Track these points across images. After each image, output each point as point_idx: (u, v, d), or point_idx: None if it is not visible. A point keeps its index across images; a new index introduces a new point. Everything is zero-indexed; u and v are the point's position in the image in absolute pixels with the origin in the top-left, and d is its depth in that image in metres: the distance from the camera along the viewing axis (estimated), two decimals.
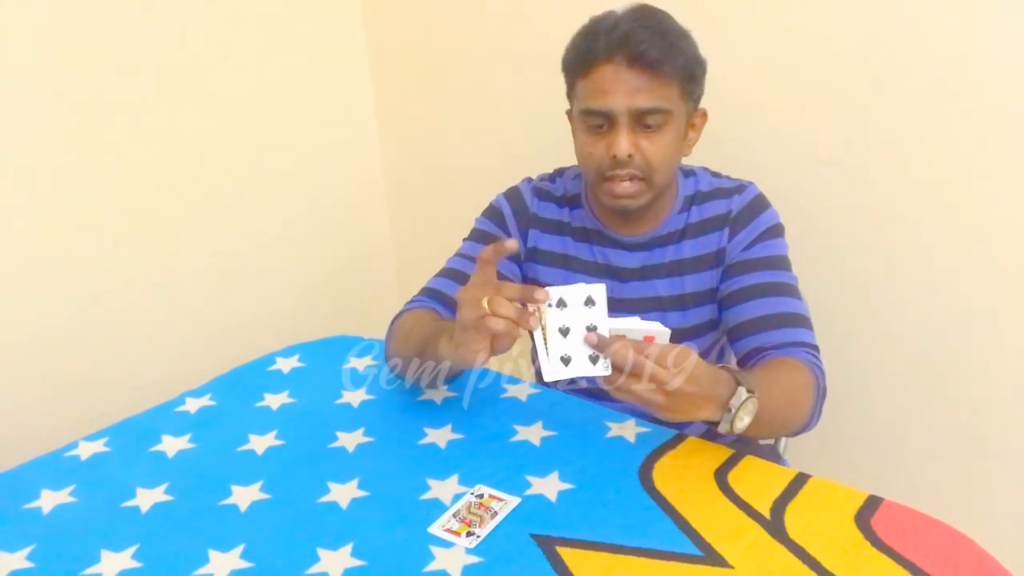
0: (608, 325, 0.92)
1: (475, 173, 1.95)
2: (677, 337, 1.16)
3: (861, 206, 1.42)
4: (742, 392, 0.95)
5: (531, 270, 1.28)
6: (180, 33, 1.65)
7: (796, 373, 1.08)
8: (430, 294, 1.27)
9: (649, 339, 0.92)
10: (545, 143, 1.52)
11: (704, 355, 1.22)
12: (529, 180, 1.32)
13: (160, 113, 1.65)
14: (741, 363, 1.18)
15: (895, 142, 1.36)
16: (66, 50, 1.49)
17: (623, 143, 1.09)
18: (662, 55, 1.07)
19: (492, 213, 1.30)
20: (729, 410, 0.95)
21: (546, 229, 1.28)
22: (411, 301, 1.28)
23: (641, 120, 1.09)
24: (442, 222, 2.04)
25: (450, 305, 1.22)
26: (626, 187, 1.13)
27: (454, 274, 1.27)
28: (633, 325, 0.93)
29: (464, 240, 1.32)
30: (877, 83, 1.34)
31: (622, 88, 1.08)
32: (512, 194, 1.30)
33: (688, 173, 1.25)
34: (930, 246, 1.38)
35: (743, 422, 0.96)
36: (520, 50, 1.76)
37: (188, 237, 1.74)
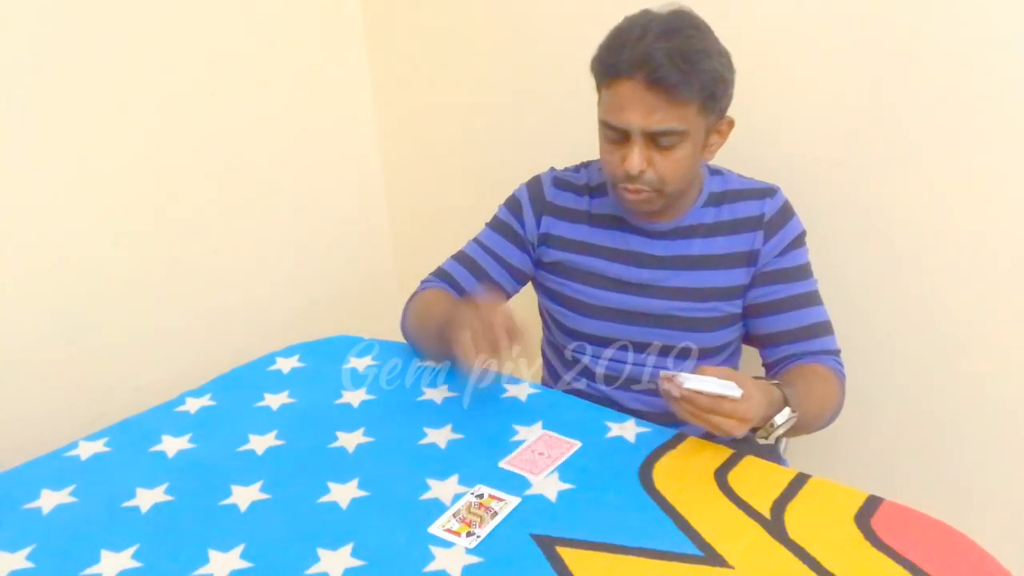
0: (688, 383, 0.98)
1: (475, 173, 1.95)
2: (697, 328, 1.24)
3: (862, 206, 1.42)
4: (787, 411, 1.05)
5: (545, 255, 1.32)
6: (180, 33, 1.65)
7: (828, 384, 1.18)
8: (444, 277, 1.35)
9: (721, 398, 0.98)
10: (546, 142, 1.52)
11: (724, 348, 1.29)
12: (552, 170, 1.36)
13: (160, 113, 1.65)
14: (770, 367, 1.26)
15: (897, 142, 1.36)
16: (65, 50, 1.49)
17: (635, 160, 1.12)
18: (679, 79, 1.07)
19: (512, 203, 1.35)
20: (771, 425, 1.05)
21: (560, 216, 1.31)
22: (426, 281, 1.36)
23: (655, 139, 1.12)
24: (442, 222, 2.04)
25: (461, 293, 1.32)
26: (639, 196, 1.17)
27: (469, 262, 1.34)
28: (709, 387, 0.98)
29: (486, 225, 1.37)
30: (879, 83, 1.34)
31: (638, 108, 1.10)
32: (532, 183, 1.35)
33: (715, 171, 1.28)
34: (931, 246, 1.38)
35: (779, 432, 1.06)
36: (521, 50, 1.76)
37: (188, 237, 1.74)
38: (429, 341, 1.25)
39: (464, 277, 1.33)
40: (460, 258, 1.35)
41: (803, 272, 1.24)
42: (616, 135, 1.14)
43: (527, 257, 1.33)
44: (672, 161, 1.13)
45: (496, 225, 1.35)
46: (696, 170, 1.21)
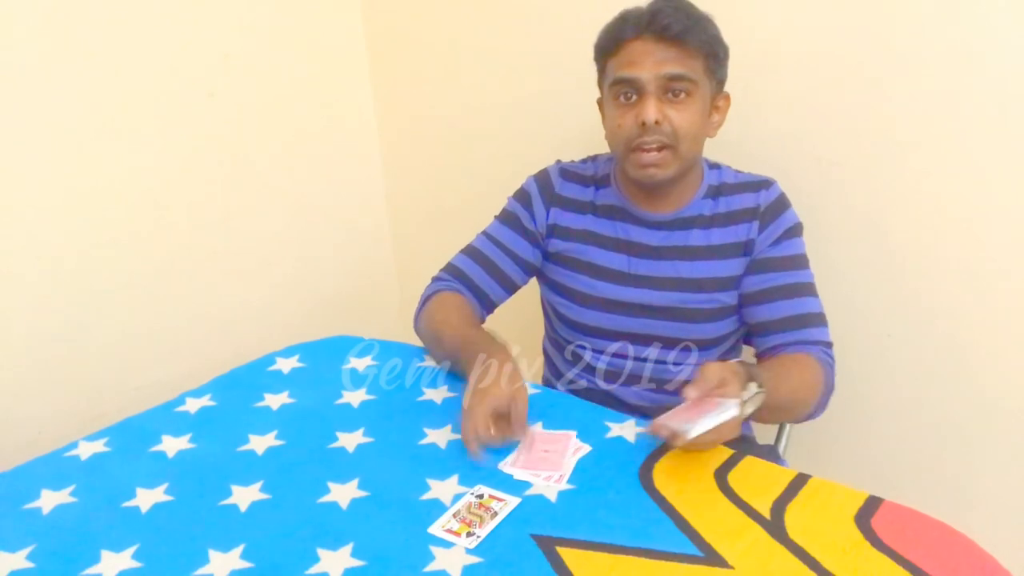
0: (692, 433, 0.97)
1: (475, 173, 1.95)
2: (694, 319, 1.25)
3: (861, 206, 1.42)
4: (753, 386, 1.03)
5: (551, 245, 1.34)
6: (180, 34, 1.65)
7: (807, 371, 1.17)
8: (455, 273, 1.36)
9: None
10: (545, 143, 1.52)
11: (723, 340, 1.30)
12: (559, 162, 1.38)
13: (160, 113, 1.65)
14: (760, 356, 1.26)
15: (897, 142, 1.36)
16: (66, 50, 1.49)
17: (651, 109, 1.15)
18: (687, 28, 1.13)
19: (521, 195, 1.37)
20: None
21: (568, 207, 1.33)
22: (438, 279, 1.37)
23: (668, 87, 1.15)
24: (442, 222, 2.05)
25: (472, 288, 1.35)
26: (654, 156, 1.18)
27: (479, 256, 1.36)
28: (710, 423, 0.97)
29: (495, 218, 1.38)
30: (878, 82, 1.34)
31: (650, 59, 1.14)
32: (540, 175, 1.37)
33: (713, 166, 1.30)
34: (930, 246, 1.38)
35: (747, 410, 1.04)
36: (521, 50, 1.76)
37: (188, 237, 1.74)
38: (441, 353, 1.29)
39: (475, 272, 1.34)
40: (470, 252, 1.37)
41: (796, 262, 1.24)
42: (629, 90, 1.17)
43: (536, 249, 1.35)
44: (685, 114, 1.16)
45: (505, 217, 1.37)
46: (704, 138, 1.23)
